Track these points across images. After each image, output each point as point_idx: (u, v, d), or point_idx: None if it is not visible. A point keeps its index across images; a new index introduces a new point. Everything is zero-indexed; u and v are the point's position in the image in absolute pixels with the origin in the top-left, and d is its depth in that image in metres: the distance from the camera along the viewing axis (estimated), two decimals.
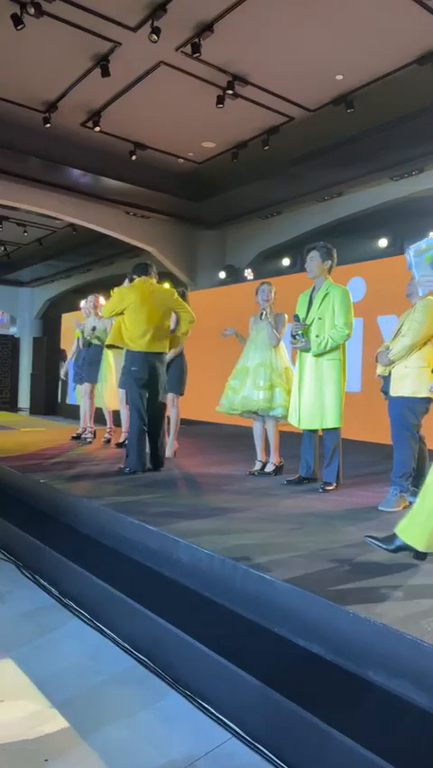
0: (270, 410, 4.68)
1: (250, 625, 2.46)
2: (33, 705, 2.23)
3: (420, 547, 2.54)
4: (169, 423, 5.76)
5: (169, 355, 5.13)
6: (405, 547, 2.59)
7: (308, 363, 4.30)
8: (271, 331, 4.73)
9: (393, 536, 2.62)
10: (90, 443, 7.16)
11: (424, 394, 3.65)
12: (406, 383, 3.66)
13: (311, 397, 4.27)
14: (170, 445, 5.76)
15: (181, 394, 5.63)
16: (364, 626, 2.05)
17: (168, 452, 5.73)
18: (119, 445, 6.73)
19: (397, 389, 3.73)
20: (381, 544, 2.69)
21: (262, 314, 4.84)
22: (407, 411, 3.67)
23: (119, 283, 5.40)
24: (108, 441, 6.98)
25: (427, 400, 3.69)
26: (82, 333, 6.97)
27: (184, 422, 5.77)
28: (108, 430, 7.20)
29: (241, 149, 8.31)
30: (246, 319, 5.01)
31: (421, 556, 2.62)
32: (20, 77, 6.78)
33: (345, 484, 4.37)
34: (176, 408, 5.63)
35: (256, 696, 2.01)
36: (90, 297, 7.11)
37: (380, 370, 3.90)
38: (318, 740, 1.78)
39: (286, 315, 4.80)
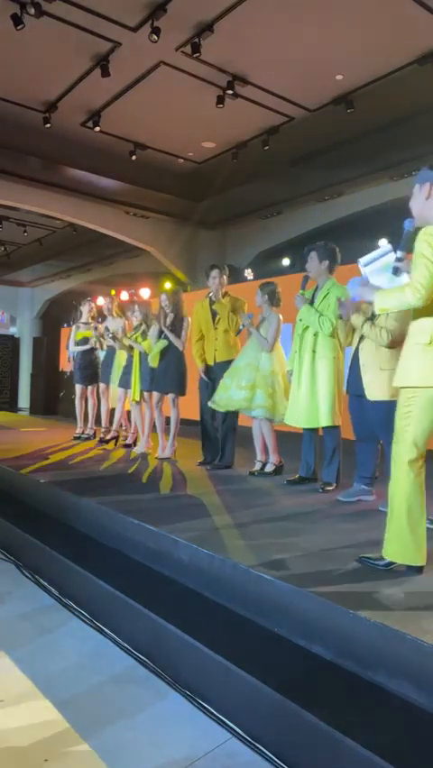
0: (249, 410, 4.76)
1: (250, 624, 2.46)
2: (33, 705, 2.23)
3: (409, 562, 2.50)
4: (168, 423, 5.77)
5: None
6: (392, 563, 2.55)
7: (306, 363, 4.30)
8: (258, 337, 4.76)
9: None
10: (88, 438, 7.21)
11: None
12: (385, 386, 3.47)
13: (307, 395, 4.27)
14: (170, 445, 5.76)
15: (182, 394, 5.63)
16: (364, 626, 2.05)
17: (167, 453, 5.74)
18: (117, 444, 6.73)
19: (375, 394, 3.58)
20: (374, 563, 2.61)
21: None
22: (391, 413, 3.56)
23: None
24: (127, 443, 6.72)
25: None
26: (100, 337, 6.83)
27: (184, 422, 5.77)
28: (128, 433, 6.84)
29: (241, 149, 8.30)
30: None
31: (415, 569, 2.53)
32: (20, 77, 6.77)
33: (345, 484, 4.36)
34: (176, 409, 5.62)
35: (256, 696, 2.01)
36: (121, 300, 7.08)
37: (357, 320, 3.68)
38: (318, 740, 1.78)
39: (280, 317, 4.81)
